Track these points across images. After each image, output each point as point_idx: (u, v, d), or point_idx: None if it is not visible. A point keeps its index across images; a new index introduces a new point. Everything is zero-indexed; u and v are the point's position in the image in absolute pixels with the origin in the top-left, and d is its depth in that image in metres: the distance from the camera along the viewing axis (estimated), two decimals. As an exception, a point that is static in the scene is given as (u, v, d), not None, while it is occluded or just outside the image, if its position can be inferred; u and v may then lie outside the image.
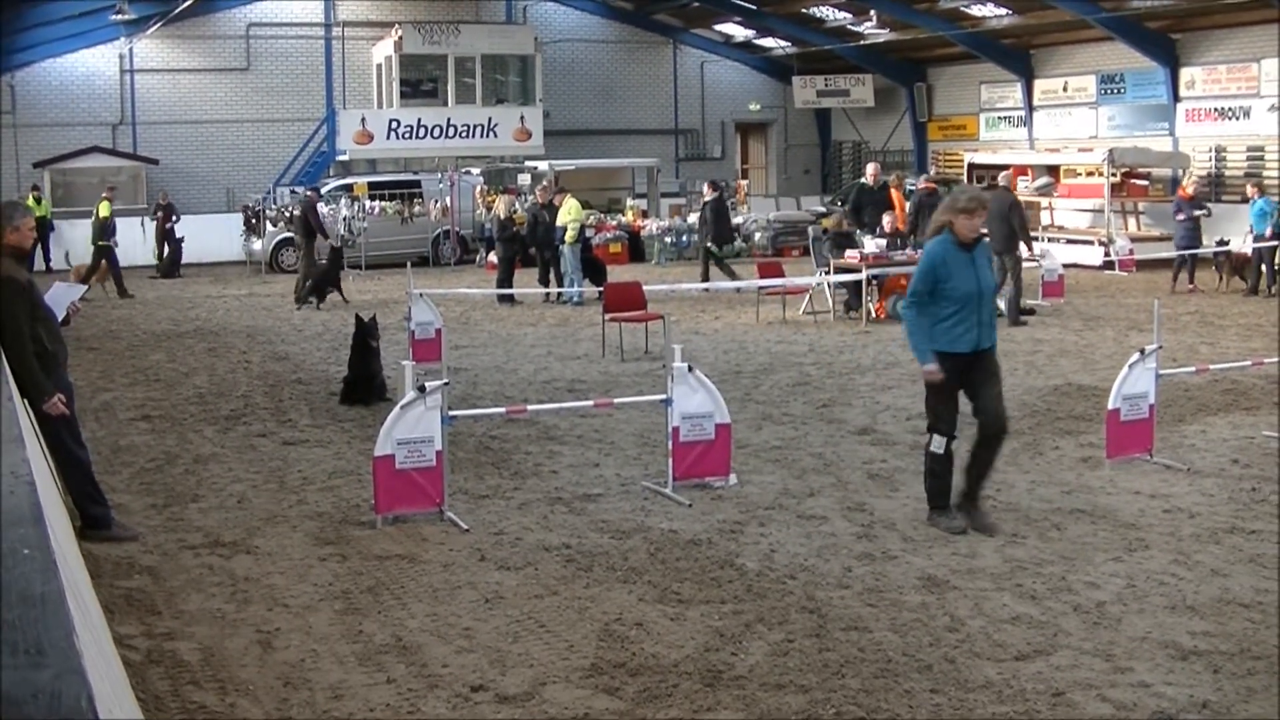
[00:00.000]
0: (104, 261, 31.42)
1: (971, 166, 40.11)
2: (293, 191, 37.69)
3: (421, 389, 11.15)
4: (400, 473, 11.17)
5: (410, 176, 40.27)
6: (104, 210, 32.05)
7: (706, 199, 30.44)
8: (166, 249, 36.63)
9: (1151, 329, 13.55)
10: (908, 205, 27.84)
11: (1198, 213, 28.85)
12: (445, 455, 11.41)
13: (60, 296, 11.87)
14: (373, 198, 37.98)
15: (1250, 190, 29.70)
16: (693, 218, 36.35)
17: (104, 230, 31.59)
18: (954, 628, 8.63)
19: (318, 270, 29.16)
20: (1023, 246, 24.13)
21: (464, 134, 43.09)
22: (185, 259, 36.47)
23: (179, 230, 36.43)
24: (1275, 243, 27.60)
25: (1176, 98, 38.18)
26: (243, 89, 43.93)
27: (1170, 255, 29.94)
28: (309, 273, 29.20)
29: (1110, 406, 12.97)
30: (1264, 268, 27.63)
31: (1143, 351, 13.09)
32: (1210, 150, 37.46)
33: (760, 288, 25.11)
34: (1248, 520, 11.12)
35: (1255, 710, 7.36)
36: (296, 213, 31.23)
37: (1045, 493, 12.11)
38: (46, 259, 36.70)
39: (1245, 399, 16.26)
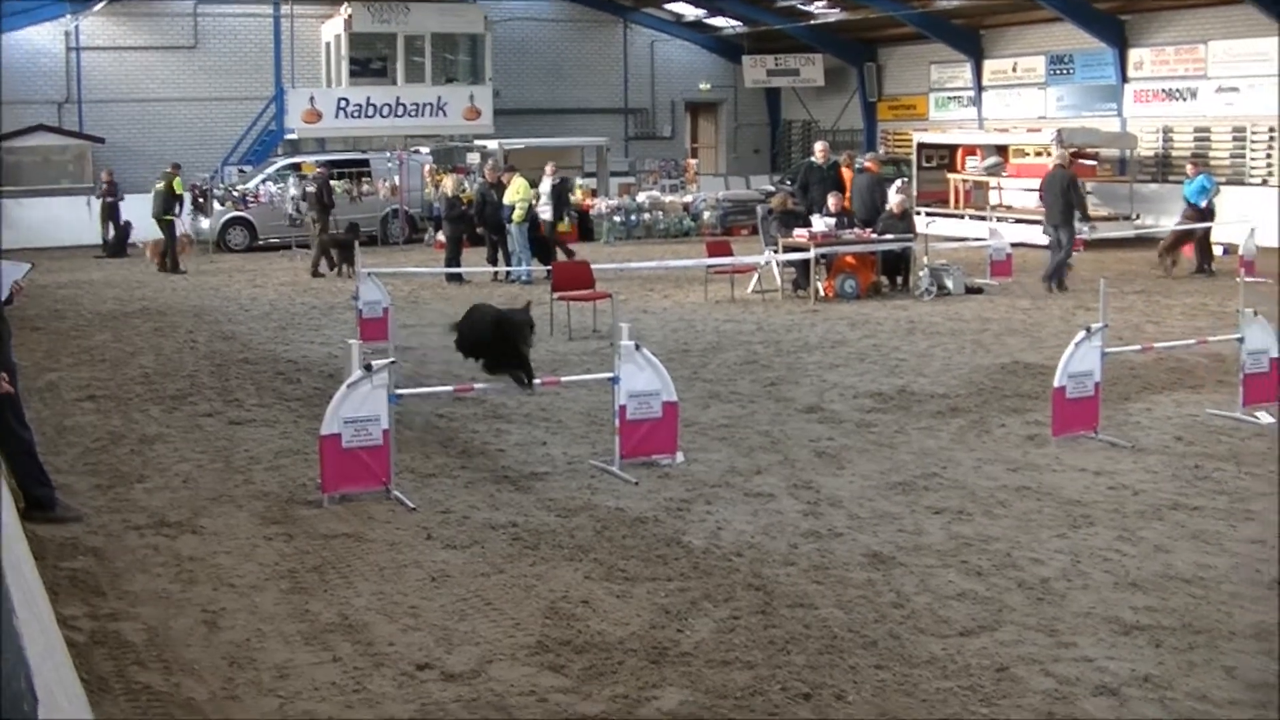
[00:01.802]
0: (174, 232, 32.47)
1: (921, 146, 40.33)
2: (299, 171, 37.43)
3: (368, 368, 11.10)
4: (347, 452, 11.13)
5: (359, 156, 40.14)
6: (178, 186, 32.74)
7: (552, 181, 30.58)
8: (112, 229, 36.48)
9: (1098, 308, 13.61)
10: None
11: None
12: (392, 434, 11.38)
13: (3, 275, 11.78)
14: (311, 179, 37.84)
15: (1189, 169, 29.90)
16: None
17: (168, 204, 32.19)
18: (899, 604, 8.67)
19: (335, 240, 30.25)
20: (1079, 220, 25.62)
21: (413, 113, 43.01)
22: (131, 238, 36.23)
23: (124, 213, 36.25)
24: (1208, 224, 27.88)
25: (1125, 79, 38.40)
26: (190, 67, 43.65)
27: (1118, 235, 30.15)
28: (325, 245, 30.21)
29: (1056, 384, 13.05)
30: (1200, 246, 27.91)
31: (1089, 330, 13.16)
32: (1158, 131, 37.72)
33: (708, 266, 25.13)
34: (1191, 497, 11.20)
35: (1196, 684, 7.41)
36: (311, 189, 31.80)
37: (991, 470, 12.16)
38: (-9, 237, 36.51)
39: (1190, 377, 16.36)
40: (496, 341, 12.56)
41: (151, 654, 7.97)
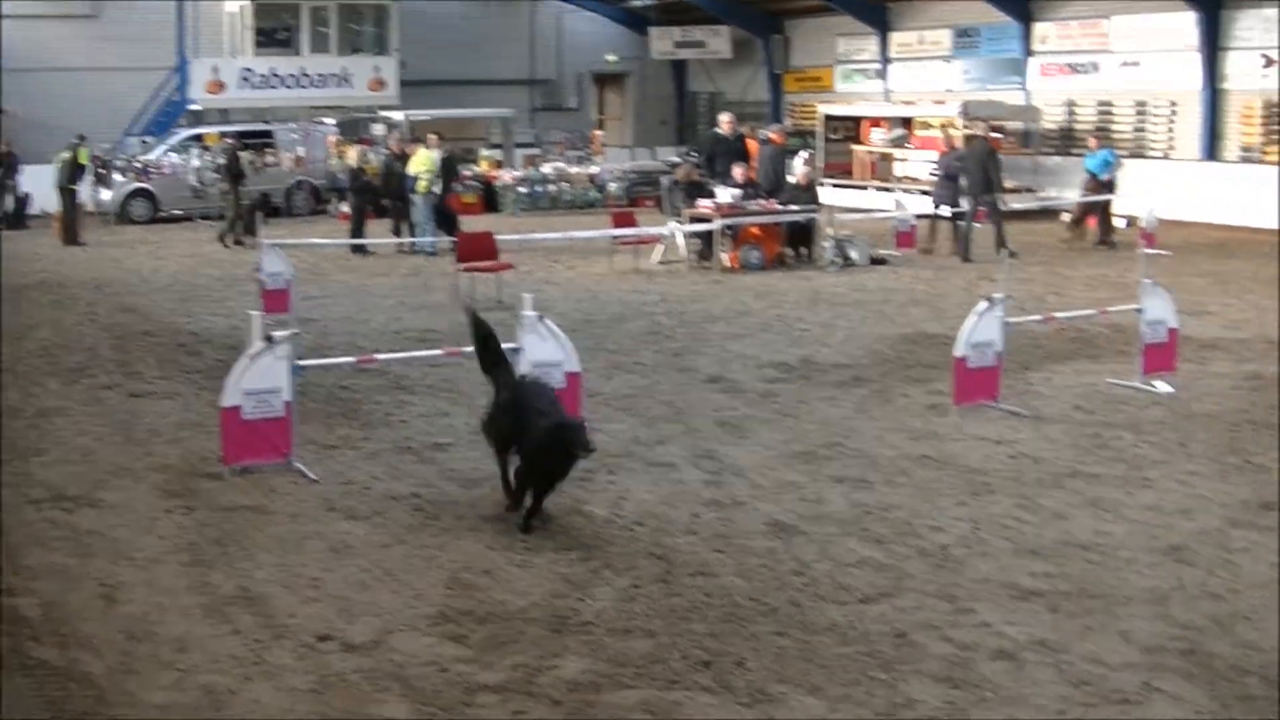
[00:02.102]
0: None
1: (827, 118, 40.46)
2: (205, 141, 37.08)
3: (269, 339, 11.02)
4: (248, 423, 11.04)
5: (262, 127, 39.76)
6: (83, 156, 32.41)
7: (440, 154, 30.46)
8: (11, 200, 35.95)
9: (1000, 278, 13.72)
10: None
11: (941, 172, 28.08)
12: (294, 406, 11.30)
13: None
14: (220, 150, 37.43)
15: (1092, 142, 30.28)
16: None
17: (72, 175, 31.81)
18: (800, 572, 8.72)
19: (245, 210, 30.04)
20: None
21: (318, 84, 42.74)
22: (31, 209, 35.72)
23: (22, 185, 35.72)
24: (1110, 196, 28.24)
25: (1029, 52, 38.74)
26: (91, 36, 42.97)
27: (1021, 207, 30.36)
28: (238, 215, 30.09)
29: (957, 354, 13.14)
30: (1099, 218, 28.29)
31: (990, 300, 13.26)
32: (1062, 104, 38.08)
33: (613, 238, 25.11)
34: (1089, 465, 11.33)
35: (1091, 647, 7.51)
36: (221, 160, 31.84)
37: (893, 439, 12.24)
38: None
39: (1090, 348, 16.53)
40: (548, 446, 9.70)
41: (48, 629, 7.89)
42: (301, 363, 11.67)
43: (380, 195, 29.78)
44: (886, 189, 35.81)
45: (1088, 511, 10.08)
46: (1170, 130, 35.73)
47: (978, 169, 26.01)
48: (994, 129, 36.01)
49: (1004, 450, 11.84)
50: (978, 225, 25.91)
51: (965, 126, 34.31)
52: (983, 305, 13.26)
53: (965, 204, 26.26)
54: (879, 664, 7.33)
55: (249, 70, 41.99)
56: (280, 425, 11.18)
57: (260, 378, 11.04)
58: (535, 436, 9.67)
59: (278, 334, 11.18)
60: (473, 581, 8.60)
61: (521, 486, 9.93)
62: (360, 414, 13.44)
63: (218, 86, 41.60)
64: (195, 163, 36.43)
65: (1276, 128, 33.65)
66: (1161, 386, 14.11)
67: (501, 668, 7.31)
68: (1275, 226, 28.84)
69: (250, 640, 7.70)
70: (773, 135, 28.32)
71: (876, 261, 25.12)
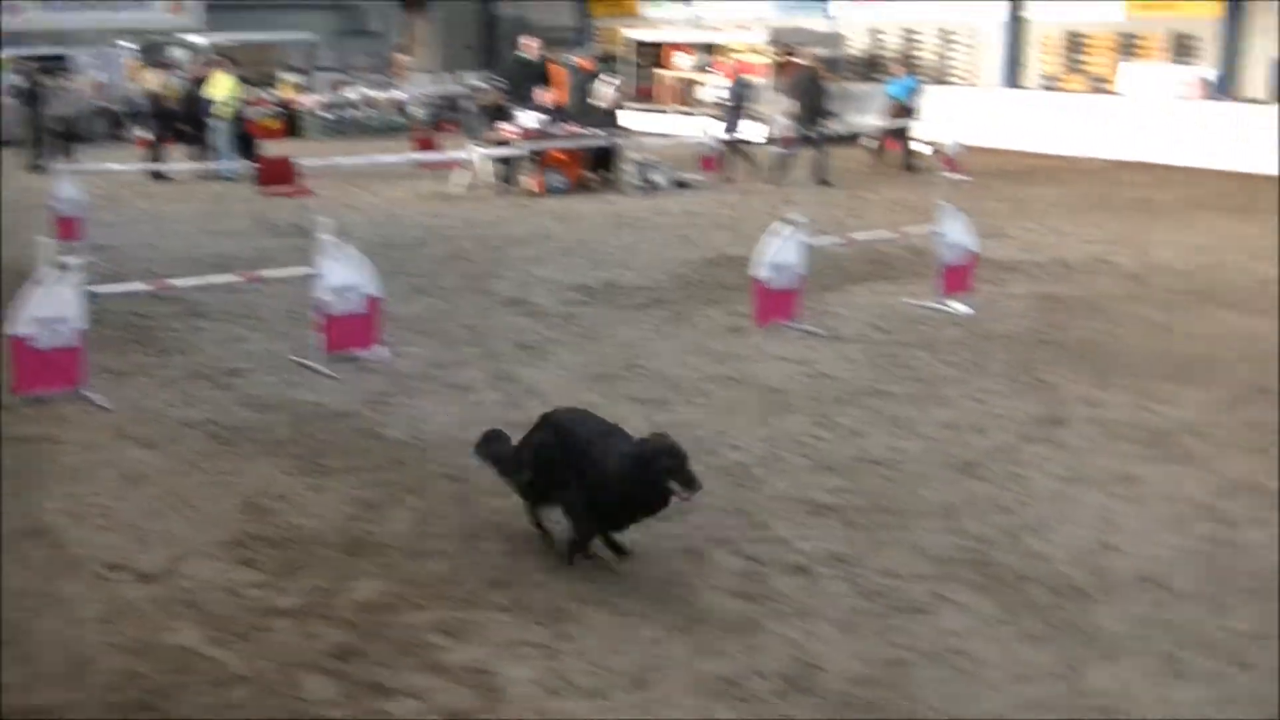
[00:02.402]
0: None
1: (639, 44, 40.50)
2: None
3: (61, 266, 10.78)
4: (37, 352, 10.78)
5: (58, 50, 38.74)
6: None
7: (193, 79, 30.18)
8: None
9: (802, 202, 13.84)
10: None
11: (732, 101, 28.52)
12: (86, 333, 11.05)
13: None
14: (18, 73, 36.45)
15: (896, 69, 30.82)
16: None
17: None
18: (595, 491, 8.73)
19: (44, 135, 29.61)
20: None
21: (116, 7, 41.73)
22: None
23: None
24: (912, 122, 28.82)
25: (836, -22, 39.15)
26: None
27: (830, 133, 30.67)
28: (37, 140, 29.70)
29: (756, 275, 13.24)
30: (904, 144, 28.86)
31: (790, 222, 13.36)
32: (867, 32, 38.53)
33: (417, 162, 24.92)
34: (885, 383, 11.50)
35: (885, 561, 7.63)
36: (24, 85, 31.07)
37: (694, 360, 12.29)
38: None
39: (889, 269, 16.76)
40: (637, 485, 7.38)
41: None
42: (95, 289, 11.41)
43: (179, 120, 29.21)
44: (689, 114, 35.94)
45: (884, 429, 10.23)
46: (973, 58, 36.33)
47: (804, 97, 26.30)
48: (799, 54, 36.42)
49: (803, 370, 11.96)
50: (787, 151, 26.16)
51: (778, 54, 34.59)
52: (783, 227, 13.36)
53: (775, 130, 26.54)
54: (674, 580, 7.38)
55: (43, -8, 40.95)
56: (72, 354, 10.93)
57: (51, 305, 10.80)
58: (618, 460, 7.51)
59: (69, 260, 10.93)
60: (268, 506, 8.50)
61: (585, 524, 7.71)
62: (155, 341, 13.18)
63: (11, 9, 40.45)
64: (-14, 86, 35.48)
65: (1076, 57, 34.41)
66: (959, 307, 14.34)
67: (295, 591, 7.25)
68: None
69: (40, 573, 7.53)
70: (580, 60, 28.25)
71: (680, 185, 25.21)
